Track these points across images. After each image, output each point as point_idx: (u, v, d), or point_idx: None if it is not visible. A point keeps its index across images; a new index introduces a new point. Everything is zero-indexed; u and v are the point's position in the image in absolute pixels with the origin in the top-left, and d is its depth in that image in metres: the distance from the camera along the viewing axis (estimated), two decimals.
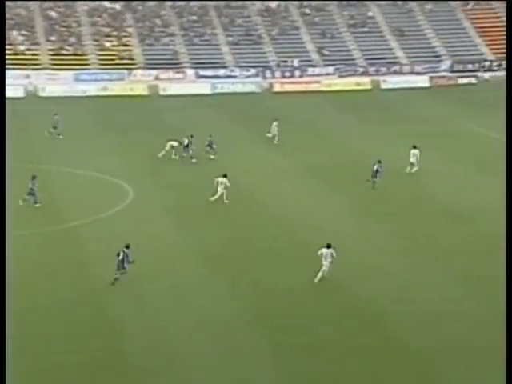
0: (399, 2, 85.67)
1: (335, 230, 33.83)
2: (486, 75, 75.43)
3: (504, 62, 78.54)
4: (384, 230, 33.91)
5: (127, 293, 27.37)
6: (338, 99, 67.16)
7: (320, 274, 27.81)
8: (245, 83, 73.25)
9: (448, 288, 27.97)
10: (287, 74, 75.59)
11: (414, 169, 41.50)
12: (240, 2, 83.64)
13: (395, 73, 75.95)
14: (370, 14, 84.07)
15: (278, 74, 75.62)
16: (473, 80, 74.21)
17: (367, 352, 23.43)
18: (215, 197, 36.96)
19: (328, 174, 42.70)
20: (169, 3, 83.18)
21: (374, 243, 32.38)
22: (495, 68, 78.44)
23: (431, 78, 74.35)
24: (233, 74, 75.16)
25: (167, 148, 45.45)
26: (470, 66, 77.83)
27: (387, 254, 31.20)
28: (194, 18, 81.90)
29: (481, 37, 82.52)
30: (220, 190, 36.68)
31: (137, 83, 71.73)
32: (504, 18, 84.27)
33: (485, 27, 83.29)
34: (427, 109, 62.62)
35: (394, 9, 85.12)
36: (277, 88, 73.06)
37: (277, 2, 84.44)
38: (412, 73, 76.08)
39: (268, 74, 75.50)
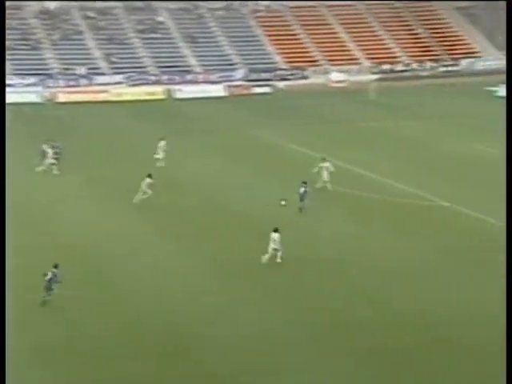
0: (190, 7, 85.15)
1: (134, 251, 32.30)
2: (281, 84, 76.67)
3: (297, 71, 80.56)
4: (190, 249, 32.55)
5: None
6: (130, 110, 65.24)
7: (279, 254, 30.63)
8: (23, 93, 69.23)
9: (254, 308, 27.24)
10: (72, 82, 72.54)
11: (328, 184, 40.27)
12: (13, 2, 79.04)
13: (189, 82, 75.29)
14: (159, 19, 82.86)
15: (61, 82, 72.35)
16: (268, 89, 75.05)
17: (178, 381, 22.60)
18: (140, 196, 37.87)
19: (124, 190, 40.75)
20: None
21: (176, 264, 31.17)
22: (289, 77, 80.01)
23: (226, 87, 74.31)
24: (9, 82, 70.85)
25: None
26: (264, 75, 78.81)
27: (190, 275, 29.94)
28: None
29: (273, 45, 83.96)
30: (144, 188, 37.93)
31: None
32: (295, 27, 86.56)
33: (276, 35, 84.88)
34: (224, 119, 62.30)
35: (185, 14, 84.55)
36: (61, 98, 69.73)
37: (56, 4, 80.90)
38: (207, 82, 75.77)
39: (50, 82, 71.97)
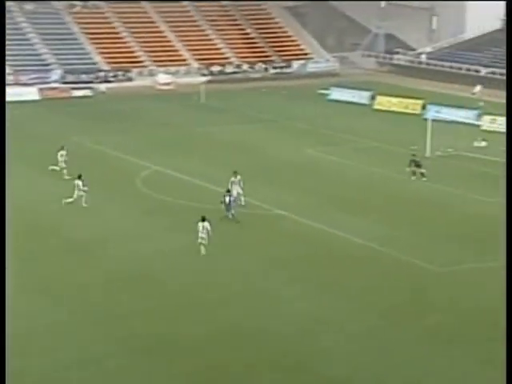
0: None
1: None
2: (103, 87, 75.92)
3: (120, 73, 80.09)
4: None
5: None
6: None
7: (203, 248, 33.15)
8: None
9: (71, 334, 26.83)
10: None
11: (242, 199, 39.59)
12: None
13: None
14: None
15: None
16: (88, 92, 74.08)
17: None
18: (71, 199, 38.97)
19: None
20: None
21: None
22: (112, 79, 79.40)
23: (41, 89, 72.67)
24: None
25: None
26: (83, 77, 77.81)
27: None
28: None
29: (92, 44, 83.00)
30: (77, 192, 39.05)
31: None
32: (116, 25, 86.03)
33: (96, 33, 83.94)
34: (38, 125, 60.90)
35: None
36: None
37: None
38: (17, 84, 73.78)
39: None
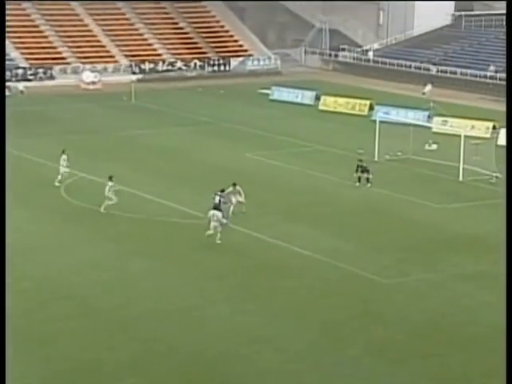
0: None
1: None
2: (21, 86, 75.51)
3: (40, 71, 79.76)
4: None
5: None
6: None
7: (218, 235, 36.09)
8: None
9: None
10: None
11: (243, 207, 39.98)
12: None
13: None
14: None
15: None
16: (6, 92, 73.51)
17: None
18: (104, 206, 40.24)
19: None
20: None
21: None
22: (31, 77, 79.01)
23: None
24: None
25: None
26: None
27: None
28: None
29: (9, 38, 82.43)
30: (108, 195, 40.32)
31: None
32: (35, 17, 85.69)
33: (12, 26, 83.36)
34: None
35: None
36: None
37: None
38: None
39: None
